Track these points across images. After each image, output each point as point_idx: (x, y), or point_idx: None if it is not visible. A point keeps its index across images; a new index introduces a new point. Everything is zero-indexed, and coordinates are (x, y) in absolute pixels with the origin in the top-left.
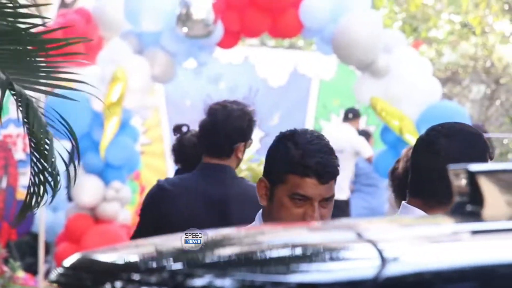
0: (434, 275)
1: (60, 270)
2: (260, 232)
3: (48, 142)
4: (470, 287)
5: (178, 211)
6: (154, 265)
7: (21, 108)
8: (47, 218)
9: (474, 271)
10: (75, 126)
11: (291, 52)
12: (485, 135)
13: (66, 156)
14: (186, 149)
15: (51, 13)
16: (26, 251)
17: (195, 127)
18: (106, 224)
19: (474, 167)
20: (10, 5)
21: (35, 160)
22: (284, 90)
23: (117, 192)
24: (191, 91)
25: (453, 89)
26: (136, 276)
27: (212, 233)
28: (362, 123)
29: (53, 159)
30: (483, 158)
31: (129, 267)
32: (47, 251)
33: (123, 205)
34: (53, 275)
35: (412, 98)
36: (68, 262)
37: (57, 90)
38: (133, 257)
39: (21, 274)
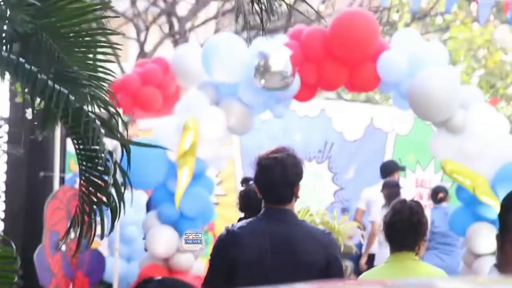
0: None
1: None
2: None
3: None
4: None
5: (247, 252)
6: None
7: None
8: (121, 268)
9: None
10: (151, 176)
11: (367, 106)
12: None
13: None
14: (252, 200)
15: (130, 62)
16: None
17: None
18: (180, 275)
19: None
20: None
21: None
22: (360, 144)
23: None
24: (266, 143)
25: None
26: None
27: None
28: (438, 179)
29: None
30: None
31: None
32: None
33: (197, 256)
34: None
35: (488, 156)
36: None
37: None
38: None
39: None
